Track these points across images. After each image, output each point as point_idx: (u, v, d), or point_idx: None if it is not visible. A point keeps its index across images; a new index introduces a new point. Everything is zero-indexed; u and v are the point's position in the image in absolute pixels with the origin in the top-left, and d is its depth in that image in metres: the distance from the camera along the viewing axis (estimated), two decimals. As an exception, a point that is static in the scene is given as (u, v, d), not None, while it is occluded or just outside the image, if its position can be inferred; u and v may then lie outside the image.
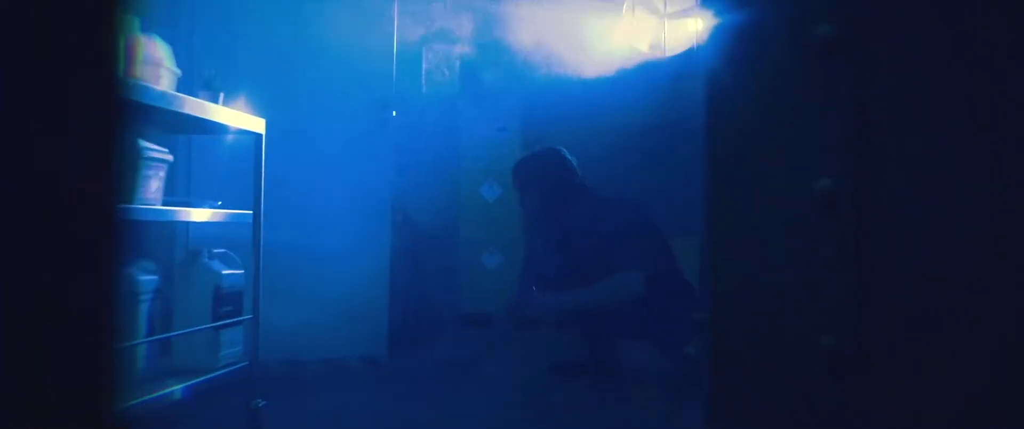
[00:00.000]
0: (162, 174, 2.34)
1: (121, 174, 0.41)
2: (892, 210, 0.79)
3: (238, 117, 2.60)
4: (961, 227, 0.77)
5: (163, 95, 2.22)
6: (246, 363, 2.63)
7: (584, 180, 3.85)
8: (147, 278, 2.35)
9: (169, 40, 2.52)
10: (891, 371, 0.78)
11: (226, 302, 2.58)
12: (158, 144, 2.35)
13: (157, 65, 2.31)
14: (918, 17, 0.80)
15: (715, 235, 0.86)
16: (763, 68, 0.85)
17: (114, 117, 0.42)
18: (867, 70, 0.80)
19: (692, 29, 5.19)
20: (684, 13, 5.46)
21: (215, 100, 2.55)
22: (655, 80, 5.02)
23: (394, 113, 3.97)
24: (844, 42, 0.80)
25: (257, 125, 2.70)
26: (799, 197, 0.81)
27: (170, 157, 2.39)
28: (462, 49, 5.72)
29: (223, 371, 2.51)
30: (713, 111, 0.88)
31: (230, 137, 2.92)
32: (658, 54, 5.28)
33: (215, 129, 2.69)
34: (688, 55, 5.06)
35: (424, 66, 5.65)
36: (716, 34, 0.88)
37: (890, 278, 0.78)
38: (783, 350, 0.81)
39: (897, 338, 0.77)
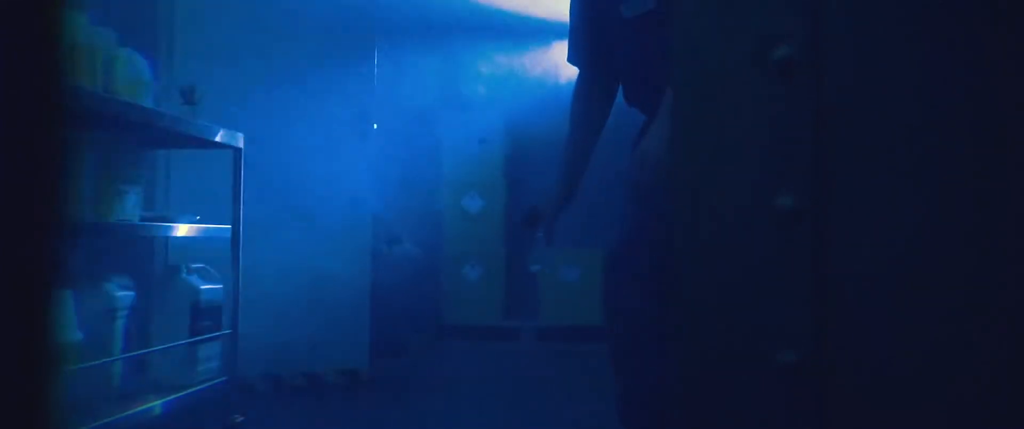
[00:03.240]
0: (139, 189, 2.34)
1: (62, 182, 0.42)
2: (852, 226, 0.81)
3: (216, 131, 2.60)
4: (921, 242, 0.79)
5: (140, 109, 2.21)
6: (225, 378, 2.62)
7: None
8: (124, 294, 2.34)
9: (147, 54, 2.52)
10: (851, 387, 0.79)
11: (204, 317, 2.57)
12: (136, 158, 2.34)
13: (134, 79, 2.31)
14: (875, 38, 0.82)
15: (680, 252, 0.87)
16: (726, 88, 0.87)
17: (53, 121, 0.42)
18: (825, 89, 0.82)
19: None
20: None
21: (193, 114, 2.55)
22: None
23: (375, 125, 3.97)
24: (802, 62, 0.82)
25: (236, 139, 2.69)
26: (761, 215, 0.83)
27: (147, 172, 2.38)
28: (444, 61, 5.74)
29: (202, 387, 2.50)
30: (678, 131, 0.90)
31: (209, 151, 2.92)
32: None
33: (194, 143, 2.69)
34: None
35: (405, 78, 5.66)
36: (680, 54, 0.90)
37: (850, 294, 0.80)
38: (745, 366, 0.82)
39: (857, 354, 0.79)
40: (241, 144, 2.71)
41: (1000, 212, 0.77)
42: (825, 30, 0.82)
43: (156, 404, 2.26)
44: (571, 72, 3.30)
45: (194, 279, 2.59)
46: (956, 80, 0.79)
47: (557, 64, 5.55)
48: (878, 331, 0.77)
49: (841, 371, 0.76)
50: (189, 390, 2.43)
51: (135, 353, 2.40)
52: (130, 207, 2.29)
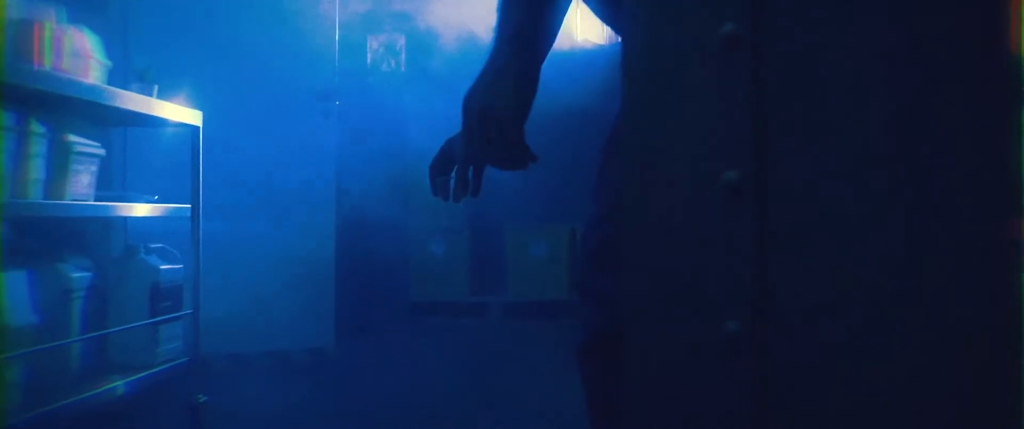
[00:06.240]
0: (94, 169, 2.29)
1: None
2: (794, 201, 0.82)
3: (174, 109, 2.56)
4: (862, 216, 0.80)
5: (92, 88, 2.17)
6: (186, 359, 2.60)
7: None
8: (81, 275, 2.31)
9: (100, 31, 2.46)
10: (791, 354, 0.81)
11: (165, 297, 2.55)
12: (90, 138, 2.30)
13: (86, 57, 2.26)
14: (818, 15, 0.83)
15: (628, 225, 0.88)
16: (674, 65, 0.88)
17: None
18: (769, 67, 0.83)
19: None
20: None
21: (149, 92, 2.50)
22: (606, 69, 5.04)
23: (337, 102, 3.93)
24: (746, 40, 0.82)
25: (194, 117, 2.65)
26: (707, 190, 0.84)
27: (102, 151, 2.34)
28: (408, 35, 5.68)
29: (163, 367, 2.48)
30: (627, 106, 0.90)
31: (167, 130, 2.88)
32: (611, 41, 5.31)
33: (150, 122, 2.65)
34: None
35: (369, 54, 5.61)
36: (629, 32, 0.90)
37: (793, 266, 0.82)
38: (692, 335, 0.84)
39: (797, 323, 0.81)
40: (199, 122, 2.67)
41: (937, 187, 0.79)
42: (768, 7, 0.83)
43: (117, 385, 2.24)
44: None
45: (153, 259, 2.56)
46: (896, 59, 0.80)
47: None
48: (817, 300, 0.78)
49: (781, 339, 0.78)
50: (150, 371, 2.41)
51: (94, 334, 2.37)
52: (83, 187, 2.25)
